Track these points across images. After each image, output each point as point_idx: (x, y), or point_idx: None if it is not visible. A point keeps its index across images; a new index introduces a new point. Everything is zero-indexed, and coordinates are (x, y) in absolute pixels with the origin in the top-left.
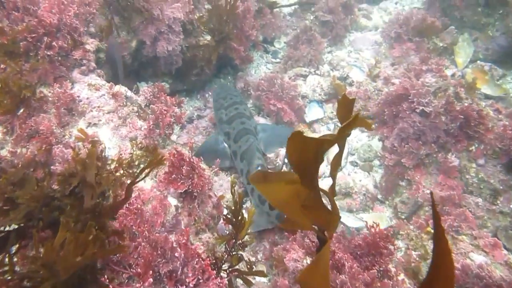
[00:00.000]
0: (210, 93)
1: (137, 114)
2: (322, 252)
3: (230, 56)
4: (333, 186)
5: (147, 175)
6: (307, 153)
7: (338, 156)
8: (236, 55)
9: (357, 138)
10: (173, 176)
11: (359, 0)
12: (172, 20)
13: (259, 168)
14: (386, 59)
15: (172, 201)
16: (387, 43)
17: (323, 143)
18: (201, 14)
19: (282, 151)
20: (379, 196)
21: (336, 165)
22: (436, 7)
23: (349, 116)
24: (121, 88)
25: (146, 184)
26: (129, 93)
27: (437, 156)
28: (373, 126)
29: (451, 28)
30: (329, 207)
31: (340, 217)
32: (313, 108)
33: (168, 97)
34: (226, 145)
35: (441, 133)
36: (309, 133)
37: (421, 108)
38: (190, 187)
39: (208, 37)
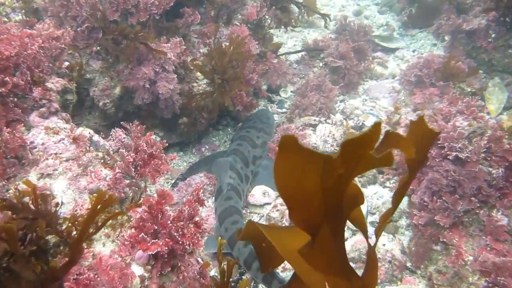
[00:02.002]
0: (207, 147)
1: (102, 161)
2: None
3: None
4: (373, 247)
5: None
6: (303, 178)
7: (389, 212)
8: (238, 101)
9: (378, 194)
10: (141, 235)
11: (373, 48)
12: (163, 60)
13: (229, 188)
14: (407, 107)
15: (137, 270)
16: (406, 90)
17: (332, 164)
18: (194, 57)
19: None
20: (409, 264)
21: (385, 218)
22: (459, 50)
23: (423, 153)
24: (84, 131)
25: (105, 249)
26: (96, 137)
27: (479, 213)
28: (395, 178)
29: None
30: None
31: None
32: None
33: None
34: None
35: (483, 184)
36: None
37: (454, 154)
38: (180, 239)
39: (203, 83)
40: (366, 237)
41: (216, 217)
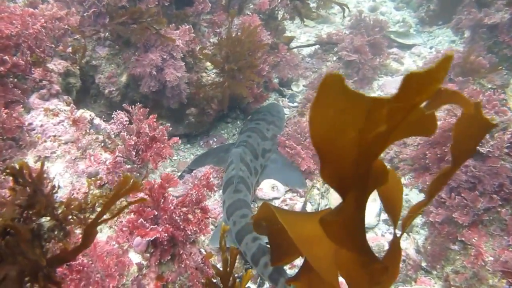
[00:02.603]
0: (216, 140)
1: (102, 144)
2: None
3: (240, 97)
4: (399, 237)
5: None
6: (342, 127)
7: (423, 203)
8: (248, 92)
9: None
10: (140, 221)
11: (389, 45)
12: (171, 47)
13: (238, 180)
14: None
15: (135, 258)
16: None
17: (378, 111)
18: (203, 46)
19: (297, 206)
20: (424, 264)
21: (417, 208)
22: (480, 45)
23: (473, 144)
24: (85, 113)
25: (102, 235)
26: (97, 120)
27: (501, 212)
28: (410, 174)
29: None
30: None
31: None
32: None
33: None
34: None
35: (505, 181)
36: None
37: None
38: (182, 225)
39: (212, 73)
40: (396, 221)
41: (224, 210)
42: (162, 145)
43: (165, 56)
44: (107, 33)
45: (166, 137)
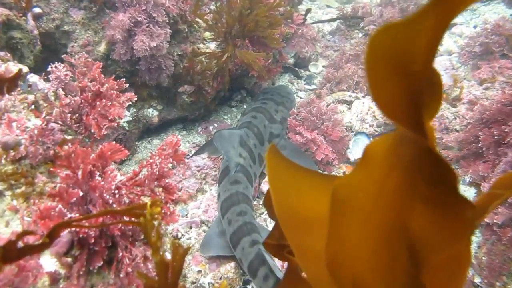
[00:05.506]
0: (216, 126)
1: (32, 107)
2: None
3: (246, 74)
4: None
5: None
6: None
7: None
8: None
9: None
10: (58, 208)
11: None
12: (151, 5)
13: (238, 169)
14: (469, 83)
15: (48, 264)
16: (468, 65)
17: None
18: (198, 4)
19: None
20: (477, 280)
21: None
22: None
23: None
24: (13, 66)
25: (9, 230)
26: (35, 78)
27: None
28: (456, 164)
29: None
30: None
31: None
32: (360, 143)
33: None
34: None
35: None
36: None
37: None
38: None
39: (212, 46)
40: None
41: (219, 205)
42: (109, 103)
43: (139, 18)
44: None
45: (116, 92)
